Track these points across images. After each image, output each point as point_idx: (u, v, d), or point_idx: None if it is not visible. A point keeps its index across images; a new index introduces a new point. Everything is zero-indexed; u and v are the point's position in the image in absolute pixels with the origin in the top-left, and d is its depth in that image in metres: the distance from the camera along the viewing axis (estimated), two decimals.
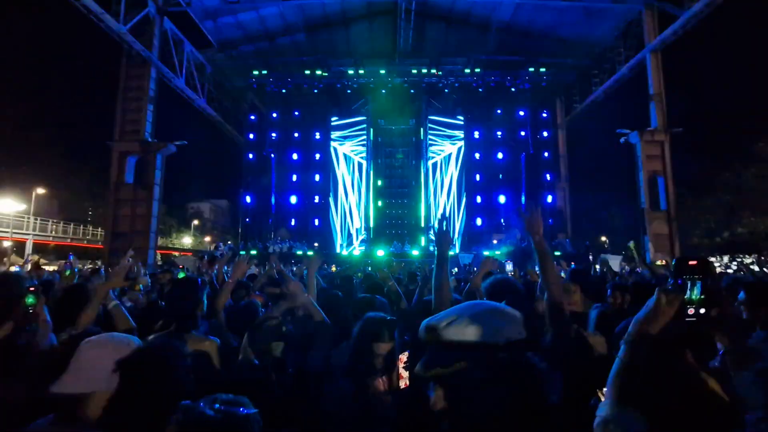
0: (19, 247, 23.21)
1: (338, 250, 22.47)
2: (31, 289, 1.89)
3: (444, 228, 1.97)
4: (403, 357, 1.77)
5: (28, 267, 6.14)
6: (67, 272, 4.49)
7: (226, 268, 4.29)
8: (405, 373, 1.74)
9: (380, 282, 3.70)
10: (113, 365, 1.26)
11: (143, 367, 1.22)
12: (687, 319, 0.84)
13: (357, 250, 20.53)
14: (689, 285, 0.85)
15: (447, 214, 24.48)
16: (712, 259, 25.79)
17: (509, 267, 5.70)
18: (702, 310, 0.83)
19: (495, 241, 23.69)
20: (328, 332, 2.14)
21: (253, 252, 17.17)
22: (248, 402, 0.96)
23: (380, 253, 19.70)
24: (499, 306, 0.88)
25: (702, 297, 0.84)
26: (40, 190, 26.40)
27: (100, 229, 28.36)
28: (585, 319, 2.51)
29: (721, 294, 0.86)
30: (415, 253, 19.21)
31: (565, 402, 1.25)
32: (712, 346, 0.89)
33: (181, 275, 3.47)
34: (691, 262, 0.87)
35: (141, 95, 16.03)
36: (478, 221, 27.62)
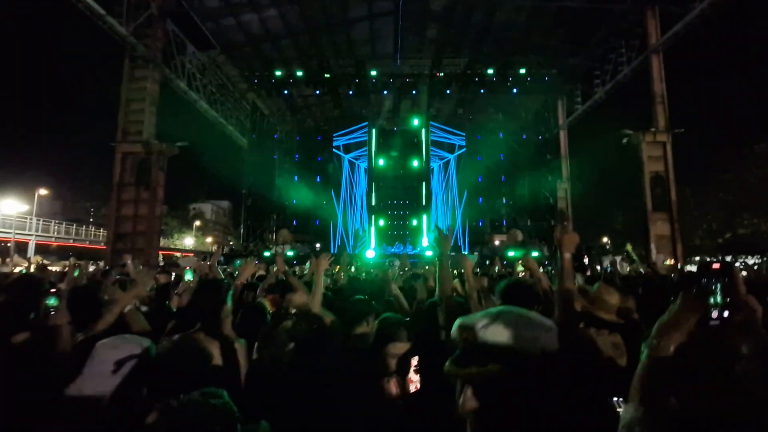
0: (21, 248, 23.25)
1: (351, 251, 22.38)
2: (53, 291, 1.89)
3: (442, 230, 2.12)
4: (414, 360, 1.77)
5: (32, 268, 6.15)
6: (76, 273, 4.51)
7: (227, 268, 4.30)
8: (415, 377, 1.74)
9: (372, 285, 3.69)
10: (128, 366, 1.28)
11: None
12: (711, 323, 0.84)
13: (371, 252, 20.48)
14: (713, 289, 0.85)
15: (449, 215, 24.50)
16: (714, 259, 25.78)
17: (519, 268, 5.60)
18: (726, 314, 0.84)
19: (497, 242, 23.68)
20: (338, 333, 2.14)
21: (267, 254, 17.09)
22: (223, 395, 0.96)
23: (370, 254, 19.65)
24: (535, 314, 0.89)
25: (726, 301, 0.85)
26: (43, 191, 26.45)
27: (102, 230, 28.41)
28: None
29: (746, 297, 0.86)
30: (429, 253, 19.02)
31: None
32: (737, 350, 0.89)
33: (188, 275, 3.47)
34: (714, 266, 0.88)
35: (143, 96, 16.07)
36: (480, 222, 27.64)
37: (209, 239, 46.04)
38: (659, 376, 0.84)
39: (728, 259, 25.30)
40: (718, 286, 0.85)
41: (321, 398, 1.62)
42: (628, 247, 8.60)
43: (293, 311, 2.20)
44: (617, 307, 1.98)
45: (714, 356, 0.82)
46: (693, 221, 24.83)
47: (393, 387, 1.58)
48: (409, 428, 1.63)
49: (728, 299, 0.85)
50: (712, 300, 0.85)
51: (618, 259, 8.57)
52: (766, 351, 0.82)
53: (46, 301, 1.82)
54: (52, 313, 1.80)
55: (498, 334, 0.83)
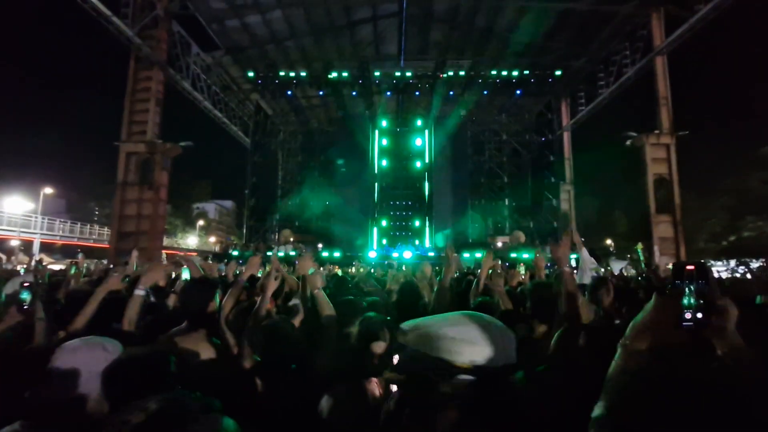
0: (26, 246, 23.42)
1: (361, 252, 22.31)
2: (26, 284, 1.80)
3: (448, 243, 2.19)
4: (395, 359, 1.76)
5: (32, 265, 6.18)
6: (73, 270, 4.53)
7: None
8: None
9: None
10: (86, 372, 1.22)
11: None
12: (684, 324, 0.84)
13: (373, 252, 20.46)
14: (687, 290, 0.85)
15: (452, 217, 24.46)
16: (719, 263, 25.59)
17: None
18: (699, 316, 0.83)
19: (500, 244, 23.62)
20: (334, 329, 2.14)
21: (281, 254, 16.95)
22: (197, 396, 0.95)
23: (372, 254, 19.51)
24: (495, 325, 0.86)
25: (699, 302, 0.84)
26: (48, 190, 26.64)
27: (106, 229, 28.57)
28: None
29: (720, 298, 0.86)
30: (431, 255, 18.89)
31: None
32: (710, 352, 0.90)
33: (185, 273, 3.48)
34: (688, 267, 0.88)
35: (148, 96, 16.16)
36: (483, 223, 27.58)
37: (212, 239, 46.20)
38: (631, 376, 0.83)
39: (732, 262, 25.14)
40: (692, 287, 0.85)
41: (307, 397, 1.63)
42: (639, 246, 8.46)
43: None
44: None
45: (686, 358, 0.83)
46: (697, 224, 24.68)
47: (376, 387, 1.57)
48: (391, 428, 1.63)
49: (702, 301, 0.84)
50: (686, 301, 0.84)
51: (623, 264, 8.49)
52: (739, 354, 0.83)
53: (20, 296, 1.75)
54: (25, 308, 1.74)
55: (421, 341, 0.82)
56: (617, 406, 0.80)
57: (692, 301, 0.84)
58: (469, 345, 0.81)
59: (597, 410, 0.82)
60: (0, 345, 1.70)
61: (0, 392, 1.37)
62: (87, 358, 1.24)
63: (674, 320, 0.84)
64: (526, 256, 16.57)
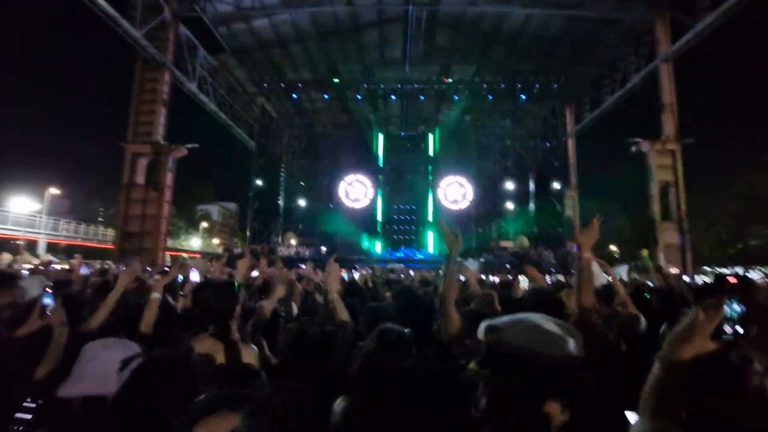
0: (31, 246, 23.53)
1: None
2: (48, 290, 1.86)
3: (447, 230, 1.94)
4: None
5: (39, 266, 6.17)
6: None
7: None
8: None
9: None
10: (108, 372, 1.25)
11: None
12: (724, 338, 0.83)
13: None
14: (728, 302, 0.84)
15: (456, 221, 24.38)
16: (726, 270, 25.39)
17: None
18: (740, 329, 0.83)
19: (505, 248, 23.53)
20: (349, 334, 2.10)
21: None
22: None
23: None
24: (560, 321, 0.86)
25: (740, 315, 0.83)
26: (54, 190, 26.79)
27: (110, 229, 28.68)
28: None
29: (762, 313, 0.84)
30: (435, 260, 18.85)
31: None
32: (751, 365, 0.87)
33: (194, 276, 3.47)
34: (731, 280, 0.86)
35: (154, 98, 16.27)
36: (486, 228, 27.49)
37: (216, 240, 46.29)
38: (672, 389, 0.81)
39: (739, 270, 24.93)
40: (734, 299, 0.83)
41: (322, 403, 1.60)
42: (645, 253, 8.43)
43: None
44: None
45: (728, 371, 0.80)
46: (703, 231, 24.51)
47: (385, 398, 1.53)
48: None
49: (743, 314, 0.83)
50: (726, 314, 0.82)
51: (624, 268, 8.39)
52: None
53: (42, 301, 1.78)
54: (48, 313, 1.76)
55: (523, 337, 0.81)
56: (663, 419, 0.77)
57: (733, 314, 0.82)
58: (569, 337, 0.82)
59: (638, 426, 0.79)
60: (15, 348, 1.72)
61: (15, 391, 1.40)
62: (121, 355, 1.27)
63: (713, 332, 0.82)
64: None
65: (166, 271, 4.28)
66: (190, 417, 0.88)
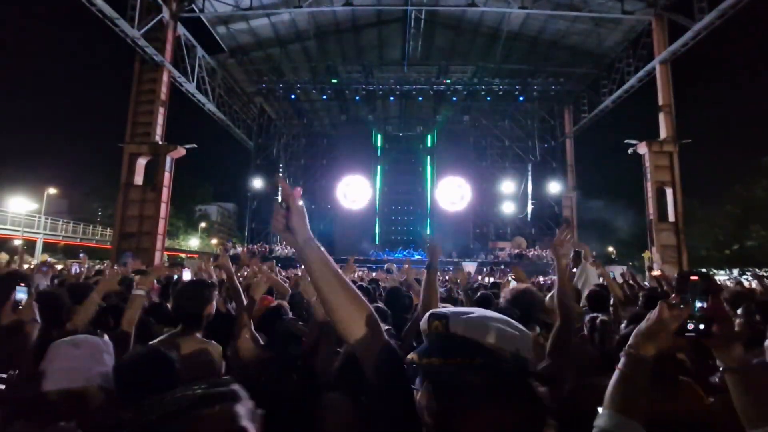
0: (29, 246, 23.50)
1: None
2: (21, 284, 1.81)
3: (433, 243, 2.10)
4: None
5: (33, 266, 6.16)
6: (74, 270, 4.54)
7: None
8: None
9: None
10: (86, 365, 1.25)
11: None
12: (686, 335, 0.84)
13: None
14: (691, 300, 0.85)
15: (453, 222, 24.39)
16: (722, 272, 25.42)
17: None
18: (702, 326, 0.84)
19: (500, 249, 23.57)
20: (329, 336, 2.14)
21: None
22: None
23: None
24: (513, 321, 0.83)
25: (702, 313, 0.85)
26: (52, 190, 26.78)
27: (108, 230, 28.65)
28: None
29: (723, 310, 0.86)
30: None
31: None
32: (713, 361, 0.89)
33: (186, 275, 3.48)
34: (692, 277, 0.88)
35: (153, 98, 16.25)
36: (484, 229, 27.53)
37: (214, 241, 46.24)
38: (637, 385, 0.83)
39: (735, 271, 24.99)
40: (696, 297, 0.86)
41: (312, 400, 1.62)
42: (646, 254, 8.44)
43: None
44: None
45: (688, 367, 0.81)
46: (699, 232, 24.52)
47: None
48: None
49: (704, 311, 0.85)
50: (690, 311, 0.85)
51: (619, 270, 8.42)
52: (742, 365, 0.82)
53: (14, 296, 1.73)
54: (20, 307, 1.72)
55: (471, 327, 0.78)
56: (624, 415, 0.79)
57: (695, 311, 0.85)
58: (515, 332, 0.80)
59: (602, 419, 0.80)
60: None
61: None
62: (78, 356, 1.27)
63: (677, 329, 0.84)
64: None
65: (145, 270, 4.28)
66: (186, 411, 0.85)
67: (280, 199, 0.98)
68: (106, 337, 1.56)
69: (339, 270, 0.95)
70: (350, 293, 0.93)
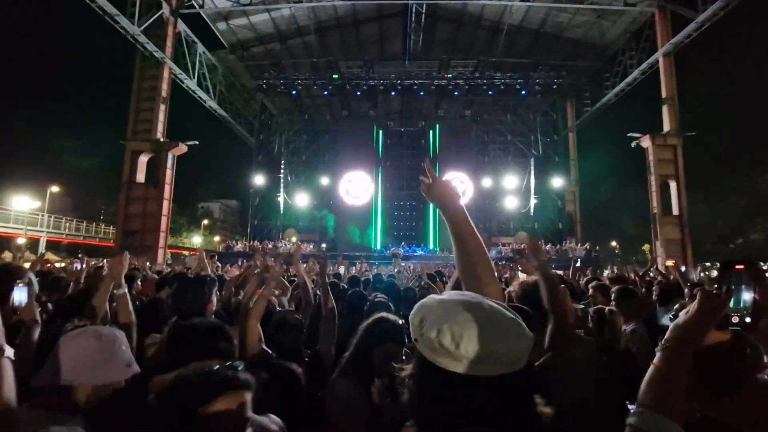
0: (33, 244, 23.60)
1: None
2: (20, 284, 1.80)
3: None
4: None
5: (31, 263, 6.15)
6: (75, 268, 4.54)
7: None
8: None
9: None
10: (98, 357, 1.25)
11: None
12: (731, 328, 0.79)
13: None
14: (735, 291, 0.79)
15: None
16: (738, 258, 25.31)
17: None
18: (748, 319, 0.78)
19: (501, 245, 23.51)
20: (332, 323, 2.17)
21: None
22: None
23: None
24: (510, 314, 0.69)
25: (749, 304, 0.78)
26: (55, 188, 26.84)
27: (111, 227, 28.73)
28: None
29: None
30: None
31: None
32: (759, 358, 0.83)
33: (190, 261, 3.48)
34: (738, 266, 0.81)
35: (154, 95, 16.25)
36: (487, 224, 27.46)
37: (217, 238, 46.37)
38: (675, 381, 0.77)
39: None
40: (741, 288, 0.79)
41: (320, 388, 1.63)
42: (647, 248, 8.40)
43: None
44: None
45: (734, 362, 0.75)
46: (704, 226, 24.42)
47: (379, 388, 1.53)
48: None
49: (752, 303, 0.78)
50: (734, 303, 0.79)
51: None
52: None
53: (13, 295, 1.73)
54: (17, 306, 1.71)
55: (433, 332, 0.66)
56: (660, 414, 0.73)
57: (741, 303, 0.79)
58: (522, 331, 0.70)
59: (636, 418, 0.74)
60: None
61: None
62: (80, 347, 1.25)
63: (720, 322, 0.78)
64: None
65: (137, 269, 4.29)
66: (197, 394, 0.90)
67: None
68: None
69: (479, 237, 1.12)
70: (487, 257, 1.07)
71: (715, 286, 0.82)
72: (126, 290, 2.09)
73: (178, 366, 1.04)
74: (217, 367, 0.98)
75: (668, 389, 0.77)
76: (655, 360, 0.81)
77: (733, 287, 0.79)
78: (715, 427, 0.88)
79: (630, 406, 0.79)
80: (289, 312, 2.20)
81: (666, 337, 0.82)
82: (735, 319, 0.78)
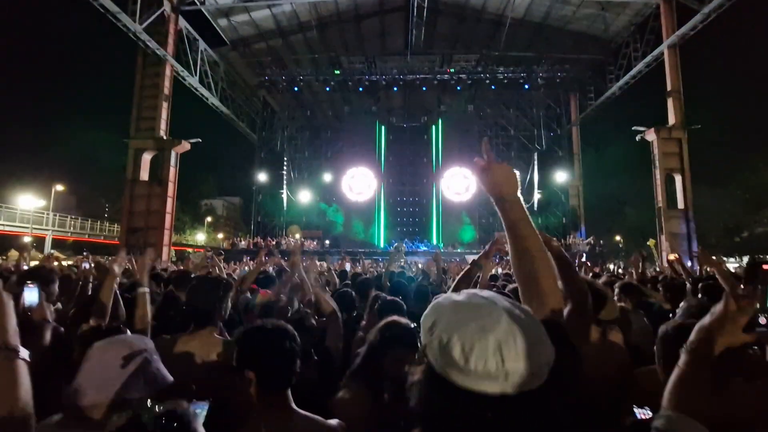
0: (38, 243, 23.76)
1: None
2: (30, 284, 1.80)
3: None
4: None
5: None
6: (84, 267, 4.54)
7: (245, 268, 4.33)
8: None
9: None
10: (113, 371, 1.21)
11: None
12: (758, 330, 0.77)
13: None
14: (763, 291, 0.77)
15: (459, 213, 24.31)
16: (732, 259, 25.16)
17: None
18: None
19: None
20: (337, 324, 2.17)
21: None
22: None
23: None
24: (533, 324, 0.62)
25: None
26: (60, 187, 26.96)
27: (116, 225, 28.88)
28: None
29: None
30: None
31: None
32: None
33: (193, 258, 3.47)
34: (765, 266, 0.79)
35: (156, 93, 16.25)
36: (490, 220, 27.39)
37: (220, 235, 46.50)
38: (699, 382, 0.76)
39: (745, 258, 24.72)
40: None
41: (330, 388, 1.62)
42: (651, 242, 8.26)
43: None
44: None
45: (760, 365, 0.73)
46: (709, 219, 24.22)
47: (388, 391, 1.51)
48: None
49: None
50: (759, 304, 0.77)
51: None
52: None
53: (23, 296, 1.72)
54: (28, 307, 1.71)
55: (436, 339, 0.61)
56: (686, 413, 0.71)
57: None
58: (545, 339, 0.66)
59: (661, 420, 0.71)
60: None
61: None
62: (115, 356, 1.23)
63: (747, 324, 0.76)
64: None
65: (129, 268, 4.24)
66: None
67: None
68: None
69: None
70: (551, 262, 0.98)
71: (741, 286, 0.80)
72: (148, 289, 2.05)
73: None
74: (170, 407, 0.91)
75: (692, 390, 0.75)
76: (680, 362, 0.79)
77: (760, 287, 0.77)
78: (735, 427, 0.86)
79: (636, 410, 0.77)
80: (306, 315, 2.19)
81: (691, 339, 0.80)
82: (762, 320, 0.76)
